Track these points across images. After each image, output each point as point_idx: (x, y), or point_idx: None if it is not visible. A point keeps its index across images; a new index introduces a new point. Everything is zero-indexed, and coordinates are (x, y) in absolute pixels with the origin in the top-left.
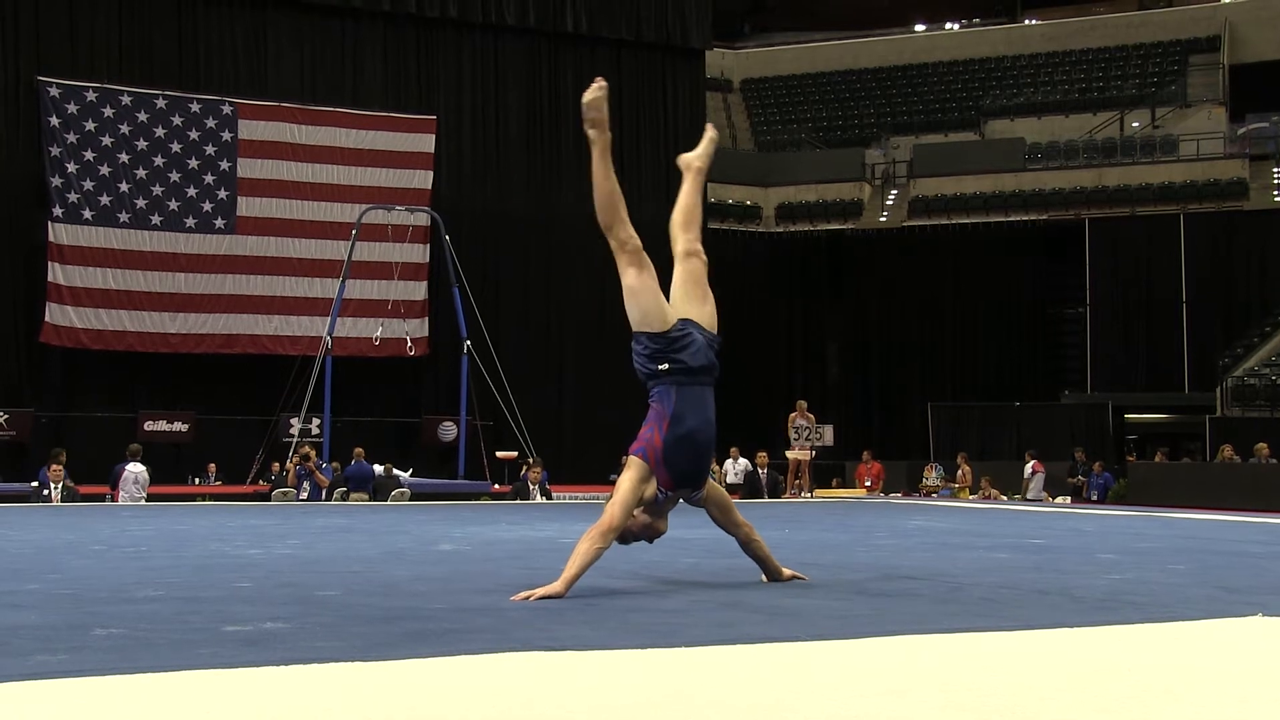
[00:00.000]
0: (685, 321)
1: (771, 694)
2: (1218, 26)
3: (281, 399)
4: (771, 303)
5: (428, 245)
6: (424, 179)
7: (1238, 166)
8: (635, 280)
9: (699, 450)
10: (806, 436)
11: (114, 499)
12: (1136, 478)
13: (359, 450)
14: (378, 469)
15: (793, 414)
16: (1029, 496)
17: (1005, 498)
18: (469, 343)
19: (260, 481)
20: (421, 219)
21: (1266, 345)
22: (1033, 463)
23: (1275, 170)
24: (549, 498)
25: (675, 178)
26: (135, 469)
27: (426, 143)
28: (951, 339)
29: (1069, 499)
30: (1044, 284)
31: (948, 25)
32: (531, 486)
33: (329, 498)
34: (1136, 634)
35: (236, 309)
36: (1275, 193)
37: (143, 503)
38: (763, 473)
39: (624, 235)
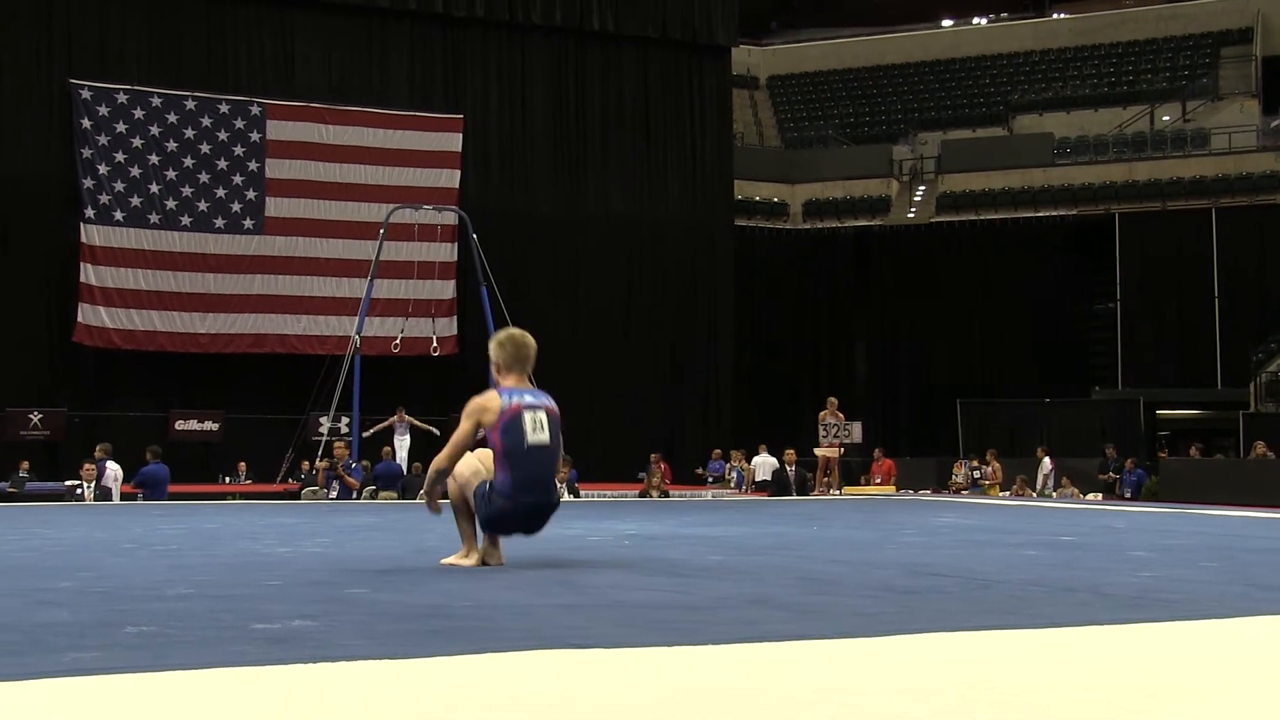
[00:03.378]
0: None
1: (796, 692)
2: (1250, 18)
3: (310, 398)
4: (799, 300)
5: (455, 244)
6: (451, 178)
7: (1271, 160)
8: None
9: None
10: (835, 434)
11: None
12: (1168, 474)
13: (387, 449)
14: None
15: (823, 411)
16: (1045, 490)
17: (1035, 495)
18: None
19: (290, 480)
20: (449, 218)
21: None
22: (1046, 458)
23: None
24: (577, 496)
25: (701, 174)
26: (113, 467)
27: (453, 142)
28: (980, 335)
29: (1100, 496)
30: (1074, 280)
31: (975, 20)
32: (559, 485)
33: (358, 496)
34: (1166, 632)
35: (265, 309)
36: None
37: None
38: (791, 470)
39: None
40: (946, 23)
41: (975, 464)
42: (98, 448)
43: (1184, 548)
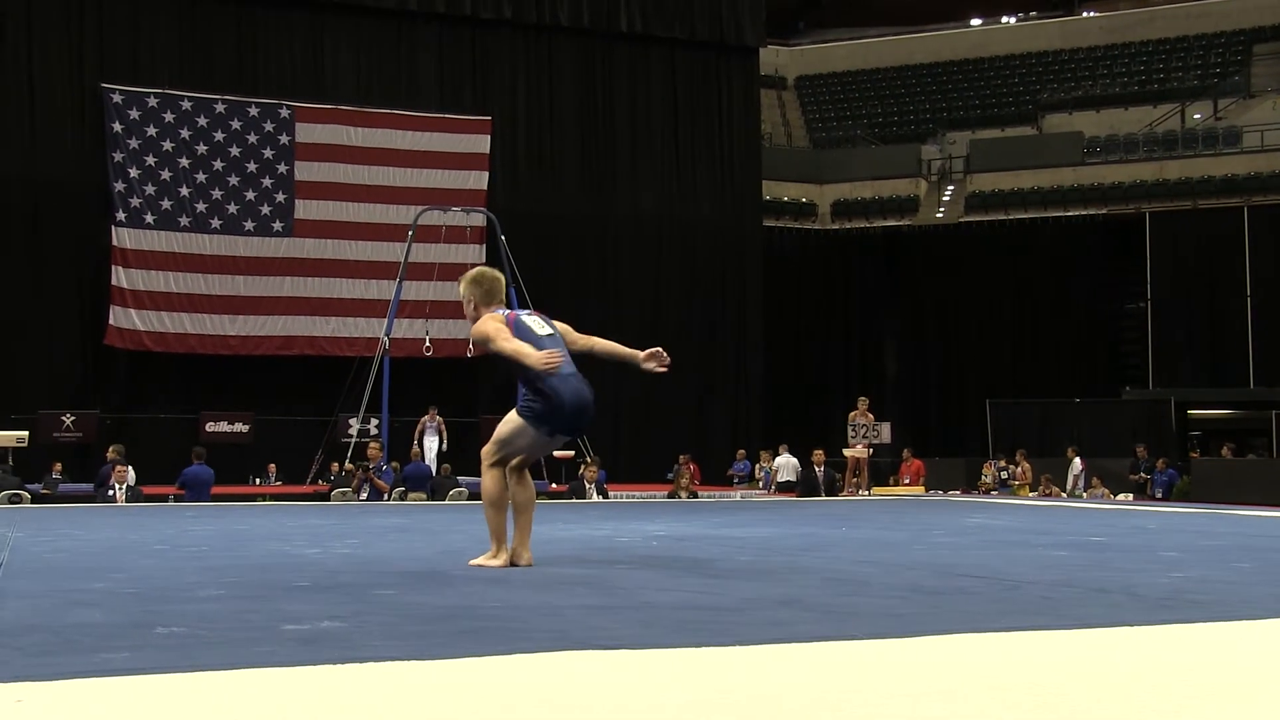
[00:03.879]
0: None
1: (825, 693)
2: None
3: (339, 400)
4: (827, 300)
5: (483, 246)
6: (479, 180)
7: None
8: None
9: None
10: (864, 434)
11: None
12: (1200, 474)
13: (416, 450)
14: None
15: (854, 411)
16: (1075, 491)
17: (1064, 495)
18: None
19: (319, 481)
20: (477, 220)
21: None
22: (1076, 458)
23: None
24: (606, 496)
25: (729, 175)
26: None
27: (482, 144)
28: (1010, 335)
29: (1131, 496)
30: (1104, 279)
31: (1004, 19)
32: (588, 485)
33: (388, 498)
34: (1198, 633)
35: (295, 311)
36: None
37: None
38: (819, 470)
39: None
40: (975, 22)
41: (1004, 464)
42: (110, 449)
43: (1216, 548)
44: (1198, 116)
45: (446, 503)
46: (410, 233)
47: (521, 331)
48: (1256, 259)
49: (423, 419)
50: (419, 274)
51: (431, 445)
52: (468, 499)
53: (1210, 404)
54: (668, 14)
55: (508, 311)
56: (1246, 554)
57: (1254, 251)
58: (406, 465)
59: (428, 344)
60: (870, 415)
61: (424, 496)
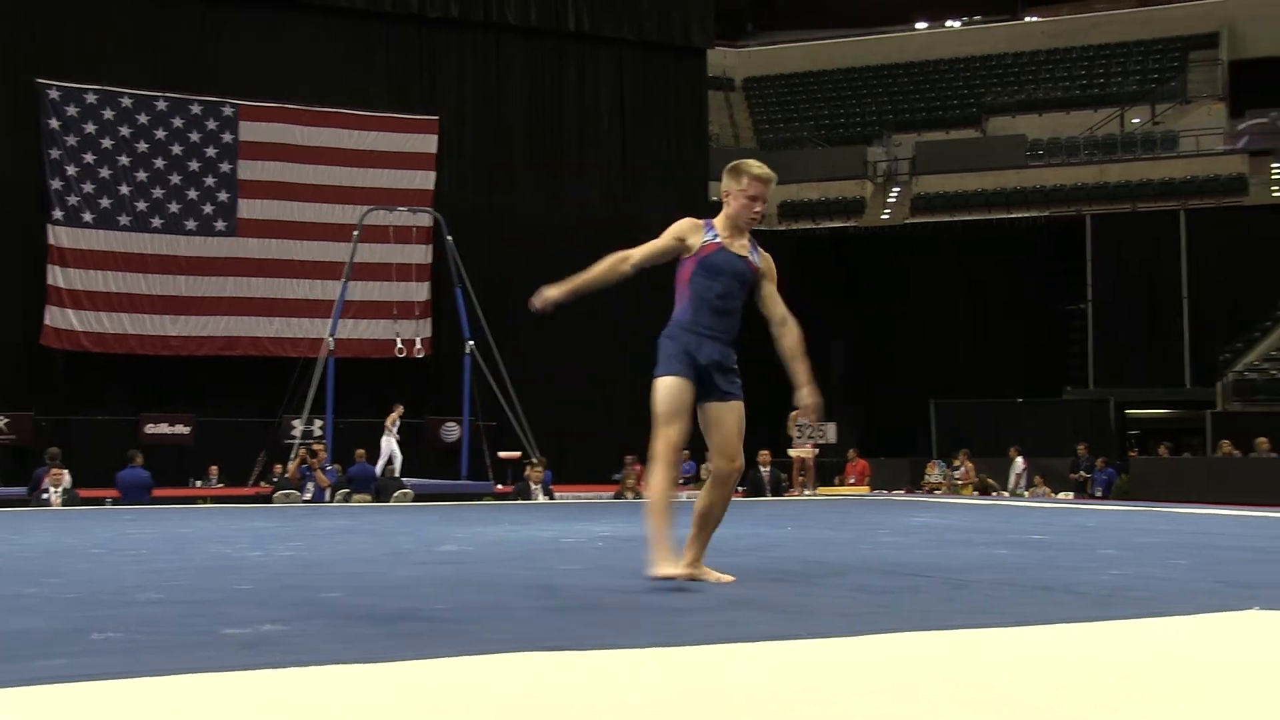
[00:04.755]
0: None
1: (776, 693)
2: (1217, 23)
3: (284, 401)
4: None
5: (430, 246)
6: (426, 179)
7: (1238, 162)
8: None
9: None
10: (809, 434)
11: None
12: (1139, 473)
13: (360, 451)
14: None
15: (795, 411)
16: (1018, 490)
17: (1007, 494)
18: (472, 343)
19: (262, 483)
20: (424, 219)
21: (1266, 340)
22: (1019, 458)
23: (1275, 166)
24: (552, 498)
25: (677, 175)
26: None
27: (429, 143)
28: (954, 336)
29: (1072, 495)
30: (1046, 280)
31: (949, 23)
32: (534, 486)
33: (331, 499)
34: (1139, 629)
35: (238, 311)
36: (1275, 188)
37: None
38: (765, 471)
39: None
40: (921, 25)
41: (951, 464)
42: (47, 453)
43: (1154, 545)
44: (1136, 121)
45: (392, 504)
46: (356, 232)
47: (702, 270)
48: (1192, 261)
49: (388, 418)
50: (365, 274)
51: (389, 444)
52: (412, 500)
53: (1148, 404)
54: (616, 14)
55: (720, 240)
56: (1183, 551)
57: (1190, 254)
58: (351, 466)
59: (399, 344)
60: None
61: (368, 498)
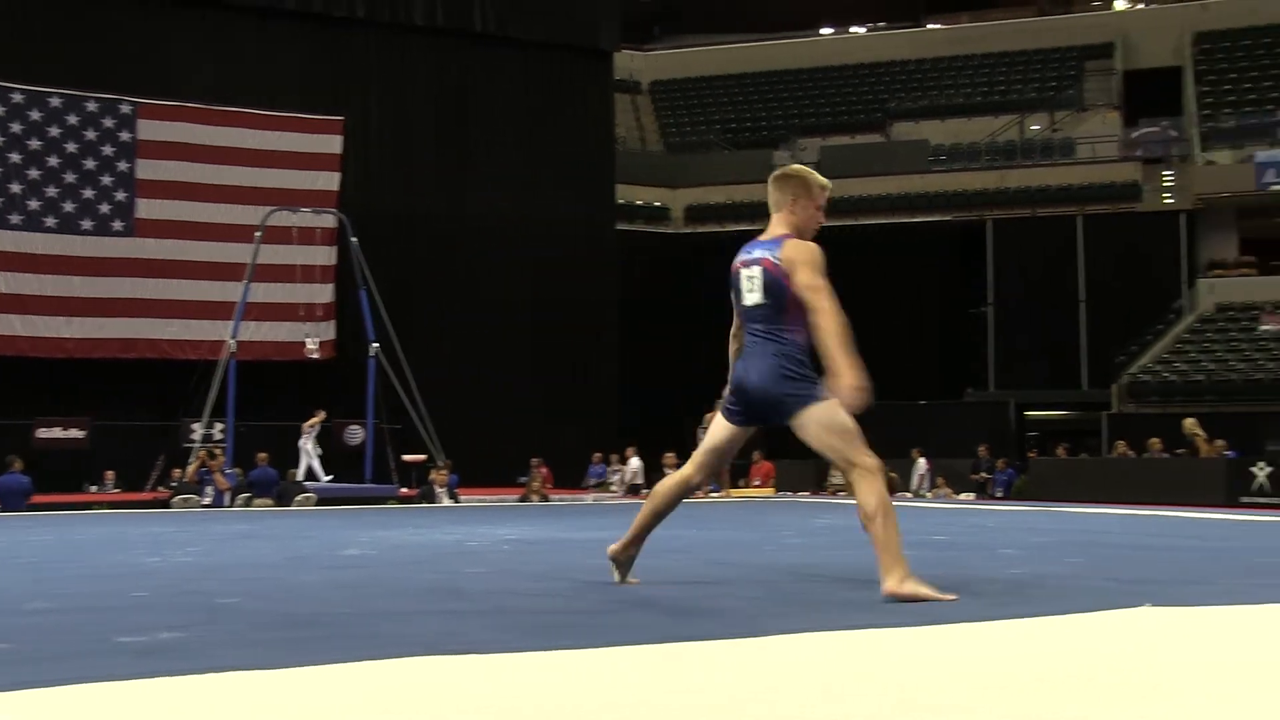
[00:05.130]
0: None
1: (682, 695)
2: (1111, 33)
3: (183, 404)
4: (682, 304)
5: (335, 247)
6: (330, 180)
7: (1131, 170)
8: None
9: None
10: None
11: None
12: (1037, 474)
13: (262, 455)
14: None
15: (709, 413)
16: (920, 491)
17: (910, 495)
18: (377, 345)
19: (160, 488)
20: (328, 221)
21: (1159, 343)
22: (921, 459)
23: (1166, 174)
24: (457, 501)
25: (584, 178)
26: None
27: (333, 144)
28: (858, 339)
29: (973, 495)
30: (949, 284)
31: (854, 29)
32: (439, 490)
33: (231, 503)
34: (1038, 627)
35: (135, 313)
36: (1166, 195)
37: None
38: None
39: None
40: (826, 31)
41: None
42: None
43: (1051, 545)
44: (1036, 128)
45: (293, 508)
46: (258, 234)
47: (735, 290)
48: (1089, 266)
49: (307, 424)
50: (267, 276)
51: (308, 449)
52: (315, 504)
53: (1047, 406)
54: (523, 16)
55: (742, 256)
56: (1078, 549)
57: (1087, 258)
58: (252, 470)
59: (311, 345)
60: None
61: (270, 502)
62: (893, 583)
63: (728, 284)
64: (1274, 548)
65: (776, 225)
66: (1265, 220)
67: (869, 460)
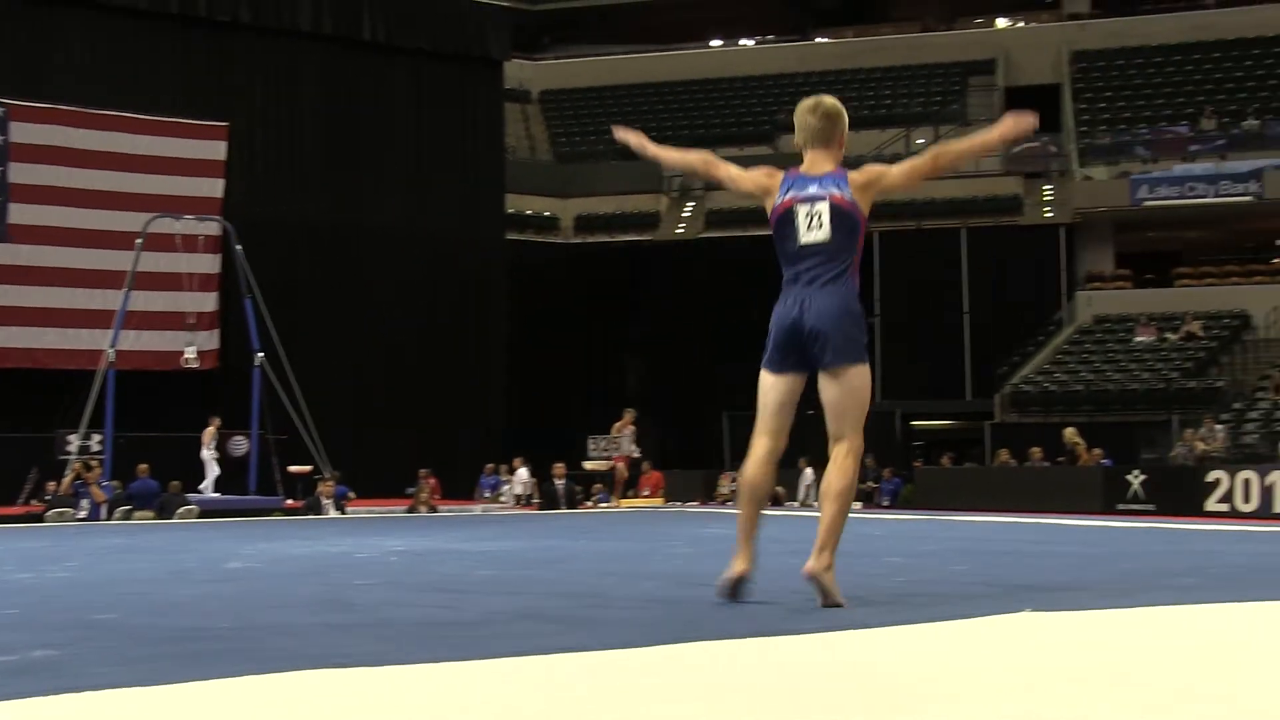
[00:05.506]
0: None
1: (567, 704)
2: (993, 50)
3: (59, 415)
4: (570, 313)
5: (219, 255)
6: (214, 187)
7: (1013, 184)
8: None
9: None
10: (625, 446)
11: None
12: (923, 482)
13: (143, 467)
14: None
15: (618, 423)
16: (807, 500)
17: (798, 504)
18: (262, 355)
19: (34, 502)
20: (212, 228)
21: (1040, 354)
22: (808, 468)
23: (1046, 188)
24: (344, 512)
25: (474, 187)
26: None
27: (218, 150)
28: (747, 349)
29: (860, 504)
30: None
31: (743, 41)
32: (325, 501)
33: (109, 516)
34: (924, 633)
35: (10, 321)
36: (1046, 209)
37: None
38: (560, 484)
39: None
40: (716, 43)
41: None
42: None
43: (937, 552)
44: (921, 141)
45: (175, 522)
46: (139, 241)
47: (782, 228)
48: (972, 278)
49: (205, 433)
50: (149, 284)
51: (209, 462)
52: (198, 517)
53: (932, 415)
54: (412, 24)
55: (795, 192)
56: (962, 556)
57: (970, 271)
58: (132, 482)
59: (190, 355)
60: (633, 427)
61: (151, 515)
62: (818, 566)
63: (776, 224)
64: (1146, 553)
65: (823, 161)
66: (1140, 234)
67: (861, 443)
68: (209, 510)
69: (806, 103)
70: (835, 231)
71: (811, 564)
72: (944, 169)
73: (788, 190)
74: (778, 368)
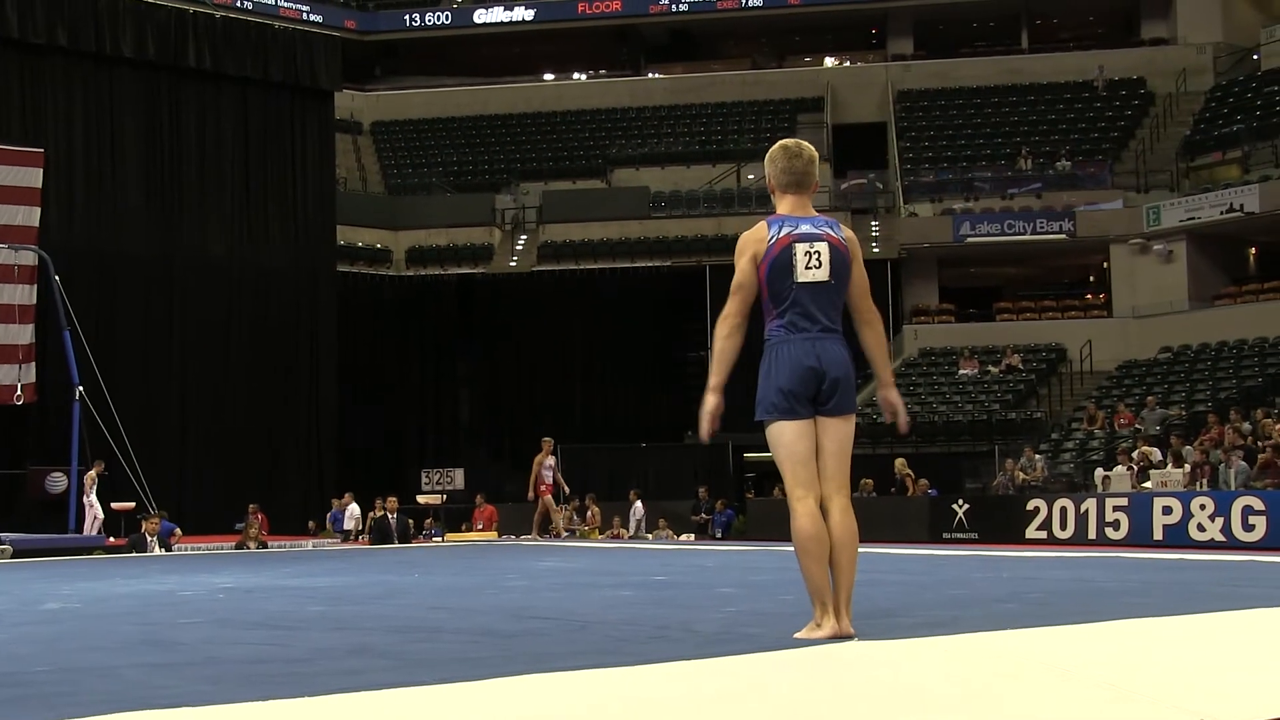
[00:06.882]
0: None
1: None
2: (821, 89)
3: None
4: (402, 346)
5: (34, 286)
6: (30, 215)
7: (842, 219)
8: None
9: None
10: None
11: None
12: (755, 513)
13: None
14: None
15: (540, 454)
16: (638, 533)
17: (629, 536)
18: (81, 389)
19: None
20: (27, 258)
21: (869, 386)
22: (638, 501)
23: (873, 224)
24: (169, 550)
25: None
26: None
27: (33, 177)
28: (581, 382)
29: (693, 536)
30: (668, 329)
31: (576, 75)
32: (150, 539)
33: None
34: (748, 664)
35: None
36: (874, 244)
37: None
38: (393, 518)
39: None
40: (548, 76)
41: (576, 508)
42: None
43: (767, 583)
44: (751, 176)
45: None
46: None
47: (778, 266)
48: None
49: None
50: None
51: (91, 506)
52: (11, 556)
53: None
54: (239, 52)
55: (789, 229)
56: (791, 586)
57: None
58: None
59: (19, 391)
60: (554, 457)
61: None
62: (849, 628)
63: (773, 260)
64: (968, 580)
65: (805, 204)
66: (962, 270)
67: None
68: (24, 549)
69: (787, 146)
70: (833, 274)
71: (847, 626)
72: (862, 325)
73: (780, 229)
74: (796, 415)
